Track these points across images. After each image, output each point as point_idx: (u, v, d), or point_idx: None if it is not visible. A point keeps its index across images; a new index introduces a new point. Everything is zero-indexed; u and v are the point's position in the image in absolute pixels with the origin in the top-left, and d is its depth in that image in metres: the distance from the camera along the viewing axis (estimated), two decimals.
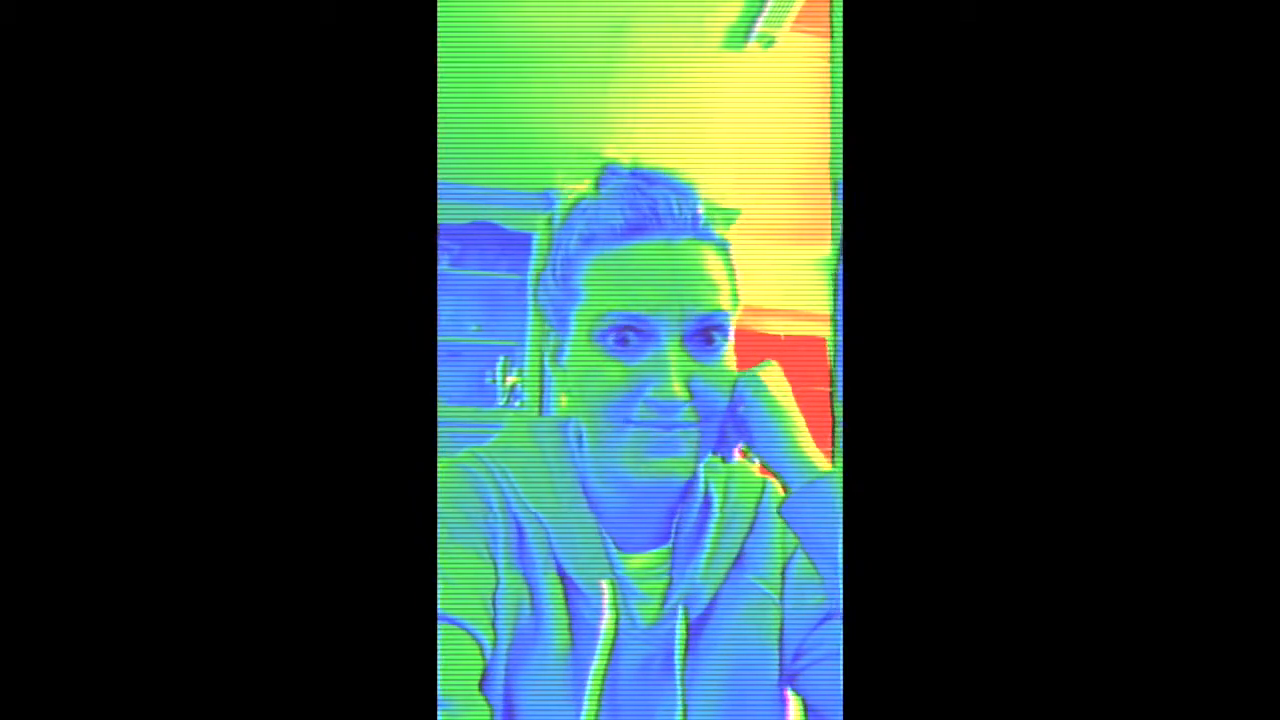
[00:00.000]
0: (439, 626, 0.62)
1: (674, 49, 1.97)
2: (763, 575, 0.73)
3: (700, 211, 0.67)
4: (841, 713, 0.54)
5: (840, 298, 0.58)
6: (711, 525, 0.73)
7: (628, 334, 0.65)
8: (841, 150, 0.56)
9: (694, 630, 0.70)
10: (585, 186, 0.69)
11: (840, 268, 0.58)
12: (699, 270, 0.66)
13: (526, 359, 2.78)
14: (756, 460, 0.70)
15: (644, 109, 2.15)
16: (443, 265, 2.80)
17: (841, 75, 0.56)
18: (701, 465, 0.74)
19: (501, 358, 2.86)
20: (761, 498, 0.76)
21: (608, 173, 0.69)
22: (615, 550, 0.71)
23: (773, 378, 0.68)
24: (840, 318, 0.58)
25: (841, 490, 0.62)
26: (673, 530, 0.73)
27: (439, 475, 0.70)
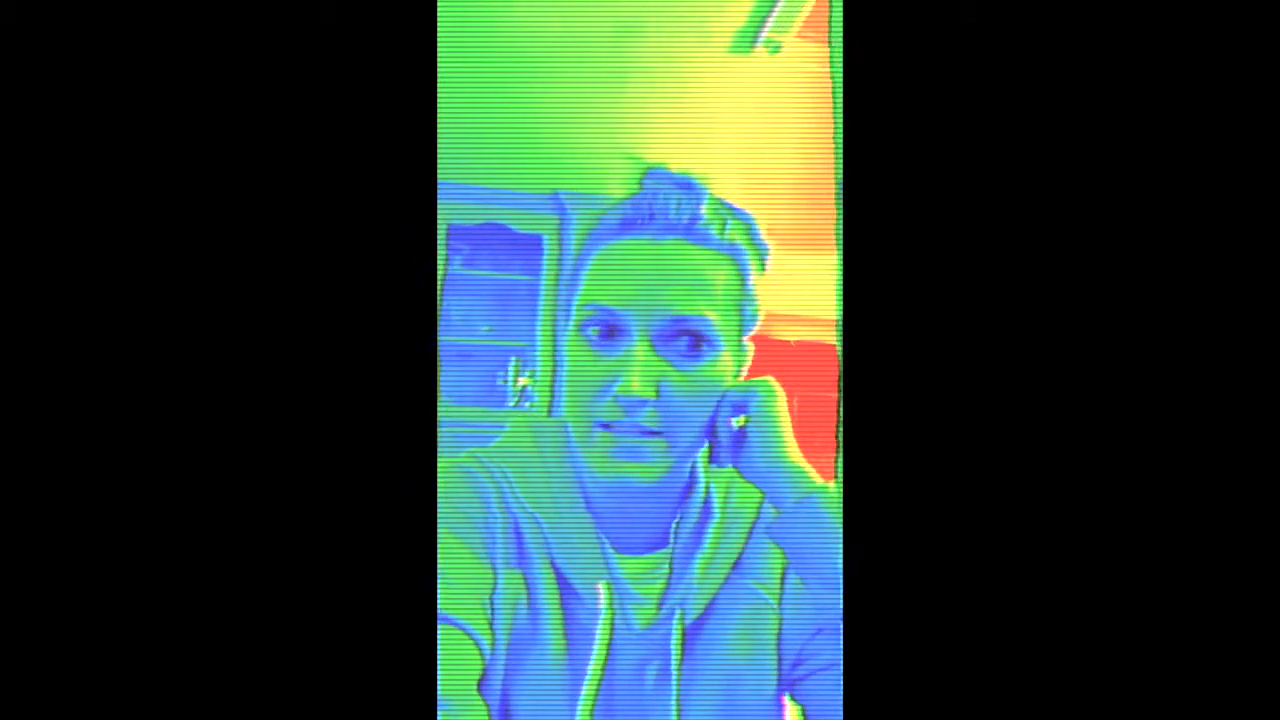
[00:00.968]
0: (439, 627, 0.62)
1: (680, 53, 1.97)
2: (762, 581, 0.73)
3: (700, 213, 0.66)
4: None
5: (841, 304, 0.57)
6: (710, 530, 0.73)
7: (607, 330, 0.65)
8: (842, 156, 0.56)
9: (690, 634, 0.70)
10: (626, 191, 0.70)
11: (840, 274, 0.57)
12: (680, 272, 0.65)
13: (537, 361, 2.79)
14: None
15: (649, 113, 2.15)
16: (453, 266, 2.81)
17: (841, 81, 0.56)
18: (698, 468, 0.74)
19: (513, 359, 2.86)
20: (762, 504, 0.75)
21: (649, 175, 0.69)
22: (612, 552, 0.71)
23: (771, 392, 0.68)
24: (841, 324, 0.57)
25: (842, 500, 0.62)
26: (672, 534, 0.72)
27: (439, 476, 0.70)
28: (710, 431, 0.68)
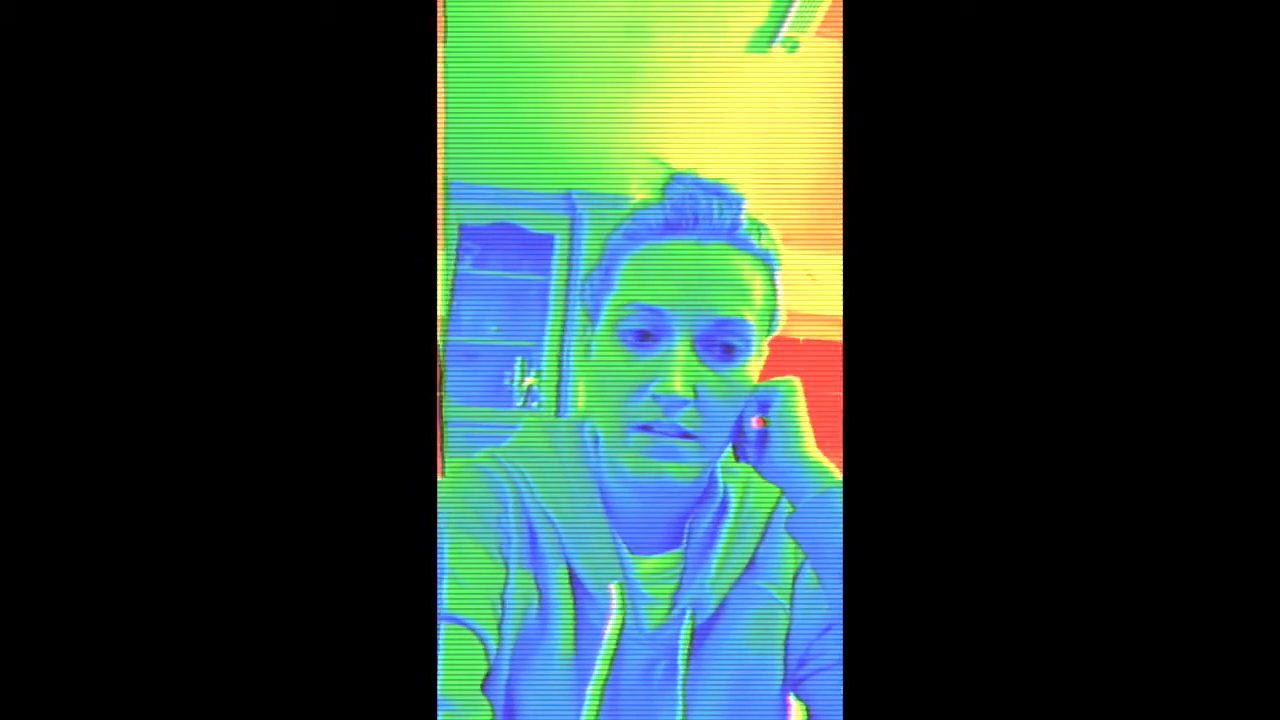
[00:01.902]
0: (445, 626, 0.62)
1: (694, 52, 1.97)
2: (774, 581, 0.73)
3: (741, 218, 0.67)
4: None
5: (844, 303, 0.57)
6: (725, 530, 0.73)
7: (647, 329, 0.65)
8: (842, 155, 0.56)
9: (700, 634, 0.70)
10: (651, 195, 0.70)
11: (843, 273, 0.57)
12: (724, 275, 0.66)
13: (545, 360, 2.79)
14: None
15: (663, 111, 2.15)
16: (463, 266, 2.81)
17: (841, 79, 0.56)
18: (716, 469, 0.74)
19: (519, 359, 2.87)
20: (777, 504, 0.75)
21: (674, 181, 0.69)
22: (627, 552, 0.71)
23: (793, 390, 0.69)
24: (843, 323, 0.57)
25: (842, 499, 0.62)
26: (685, 534, 0.72)
27: (450, 475, 0.70)
28: (736, 432, 0.69)
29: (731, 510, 0.74)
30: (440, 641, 0.61)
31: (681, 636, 0.69)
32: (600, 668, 0.67)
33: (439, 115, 0.56)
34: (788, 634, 0.72)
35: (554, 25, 1.87)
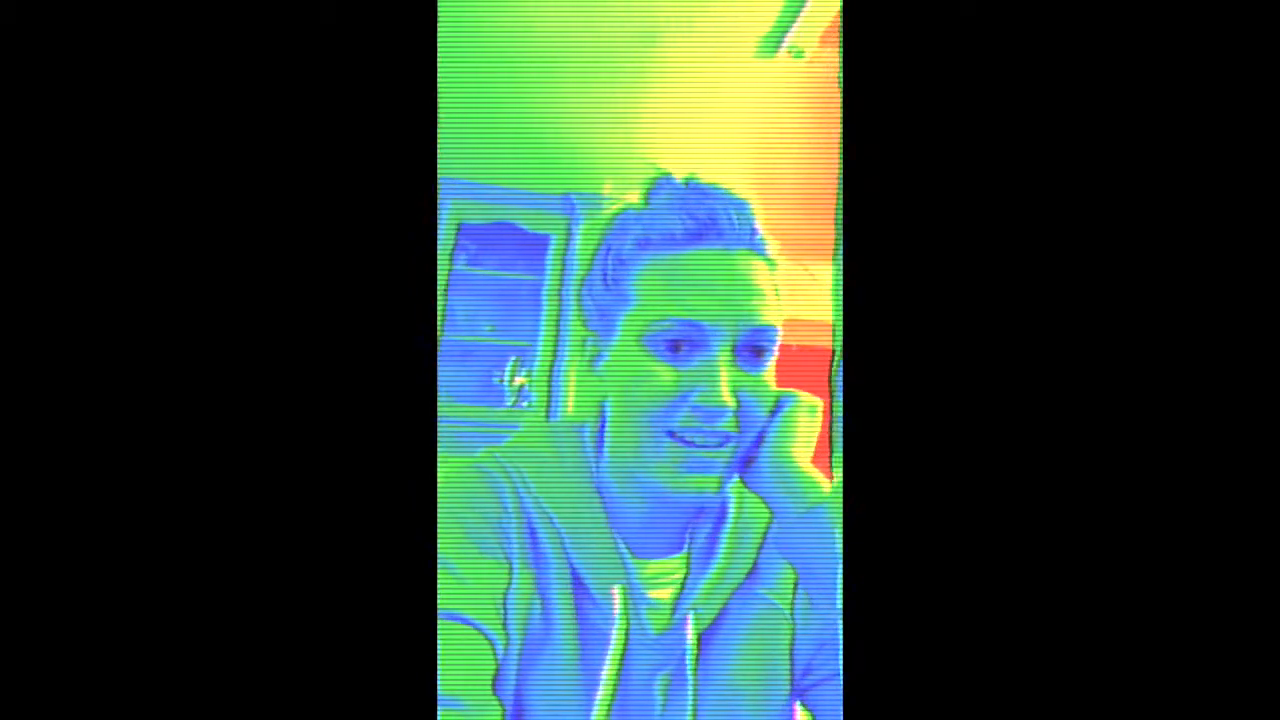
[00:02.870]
0: (449, 625, 0.62)
1: (695, 57, 1.97)
2: (774, 589, 0.73)
3: (757, 225, 0.68)
4: None
5: (841, 310, 0.58)
6: (725, 536, 0.73)
7: (680, 341, 0.65)
8: (841, 162, 0.56)
9: (704, 641, 0.70)
10: (634, 197, 0.70)
11: (840, 280, 0.58)
12: (753, 282, 0.66)
13: (537, 360, 2.79)
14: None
15: (665, 115, 2.15)
16: (458, 264, 2.81)
17: (842, 87, 0.56)
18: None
19: (512, 358, 2.86)
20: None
21: (659, 184, 0.69)
22: (629, 556, 0.70)
23: (800, 404, 0.68)
24: (841, 330, 0.57)
25: (841, 507, 0.62)
26: (687, 538, 0.72)
27: (447, 475, 0.70)
28: (749, 452, 0.68)
29: (730, 516, 0.74)
30: (442, 641, 0.61)
31: (688, 642, 0.69)
32: (608, 673, 0.67)
33: (438, 114, 0.56)
34: (792, 642, 0.72)
35: (551, 25, 1.87)
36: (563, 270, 2.83)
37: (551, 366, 2.75)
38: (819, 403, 0.69)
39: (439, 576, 0.62)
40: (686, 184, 0.69)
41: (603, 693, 0.67)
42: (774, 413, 0.68)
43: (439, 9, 0.56)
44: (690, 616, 0.70)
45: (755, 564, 0.73)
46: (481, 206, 2.76)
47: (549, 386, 2.75)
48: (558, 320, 2.80)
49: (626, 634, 0.68)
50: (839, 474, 0.62)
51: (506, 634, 0.66)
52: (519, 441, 0.75)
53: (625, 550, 0.71)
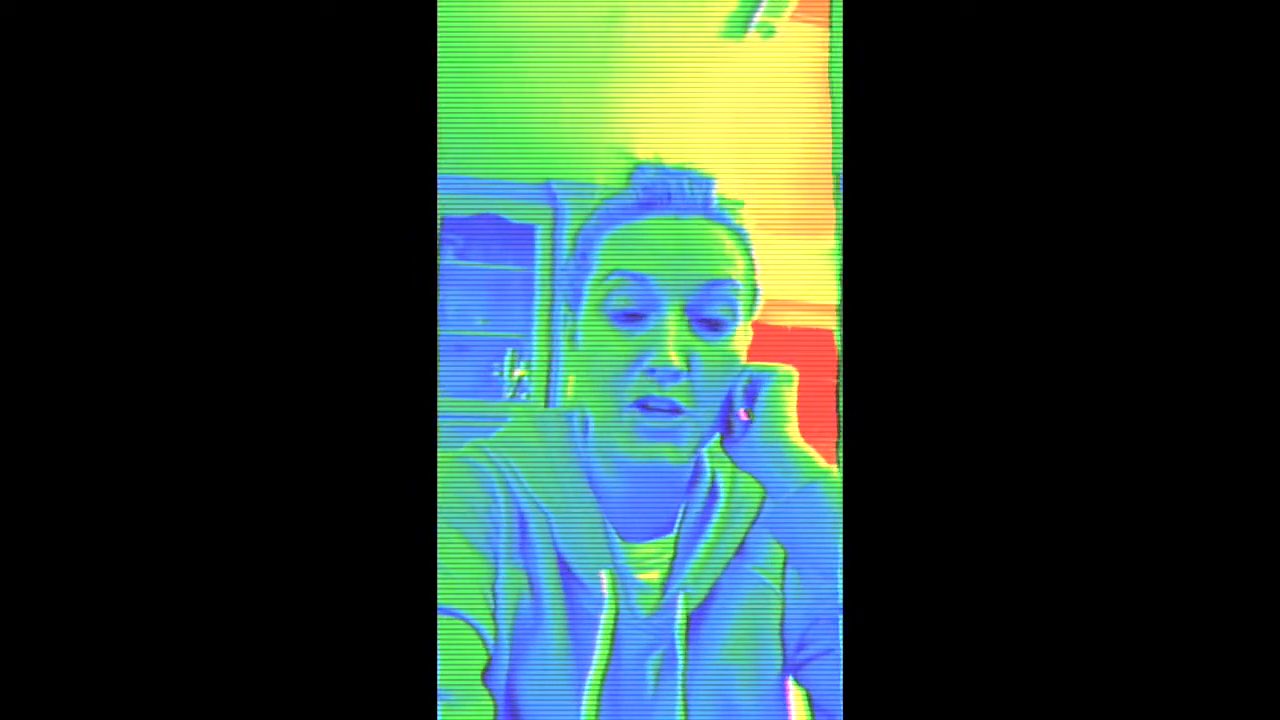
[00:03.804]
0: (441, 619, 0.62)
1: (674, 39, 1.96)
2: (765, 566, 0.73)
3: (713, 195, 0.68)
4: (842, 707, 0.54)
5: (841, 291, 0.58)
6: (715, 516, 0.73)
7: (634, 309, 0.65)
8: (841, 142, 0.56)
9: (694, 621, 0.70)
10: (619, 183, 0.71)
11: (840, 261, 0.58)
12: (706, 242, 0.67)
13: (534, 352, 2.78)
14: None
15: (643, 100, 2.14)
16: (447, 258, 2.80)
17: (841, 65, 0.56)
18: (704, 452, 0.74)
19: (509, 350, 2.86)
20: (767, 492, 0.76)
21: (639, 170, 0.70)
22: (618, 540, 0.71)
23: (786, 378, 0.69)
24: (842, 311, 0.57)
25: (842, 486, 0.62)
26: (678, 520, 0.73)
27: (440, 468, 0.70)
28: (725, 415, 0.69)
29: (722, 495, 0.74)
30: (439, 634, 0.61)
31: (678, 622, 0.69)
32: (599, 656, 0.68)
33: (437, 110, 0.56)
34: (783, 619, 0.73)
35: (532, 16, 1.86)
36: (552, 260, 2.83)
37: (549, 357, 2.76)
38: (794, 371, 0.69)
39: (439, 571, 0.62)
40: (658, 166, 0.70)
41: (593, 676, 0.67)
42: (751, 388, 0.68)
43: (439, 4, 0.56)
44: (680, 597, 0.70)
45: (744, 542, 0.73)
46: (463, 199, 2.75)
47: (547, 377, 2.76)
48: (550, 310, 2.80)
49: (616, 617, 0.69)
50: (839, 453, 0.63)
51: (496, 626, 0.66)
52: (508, 431, 0.75)
53: (614, 534, 0.71)
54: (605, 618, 0.68)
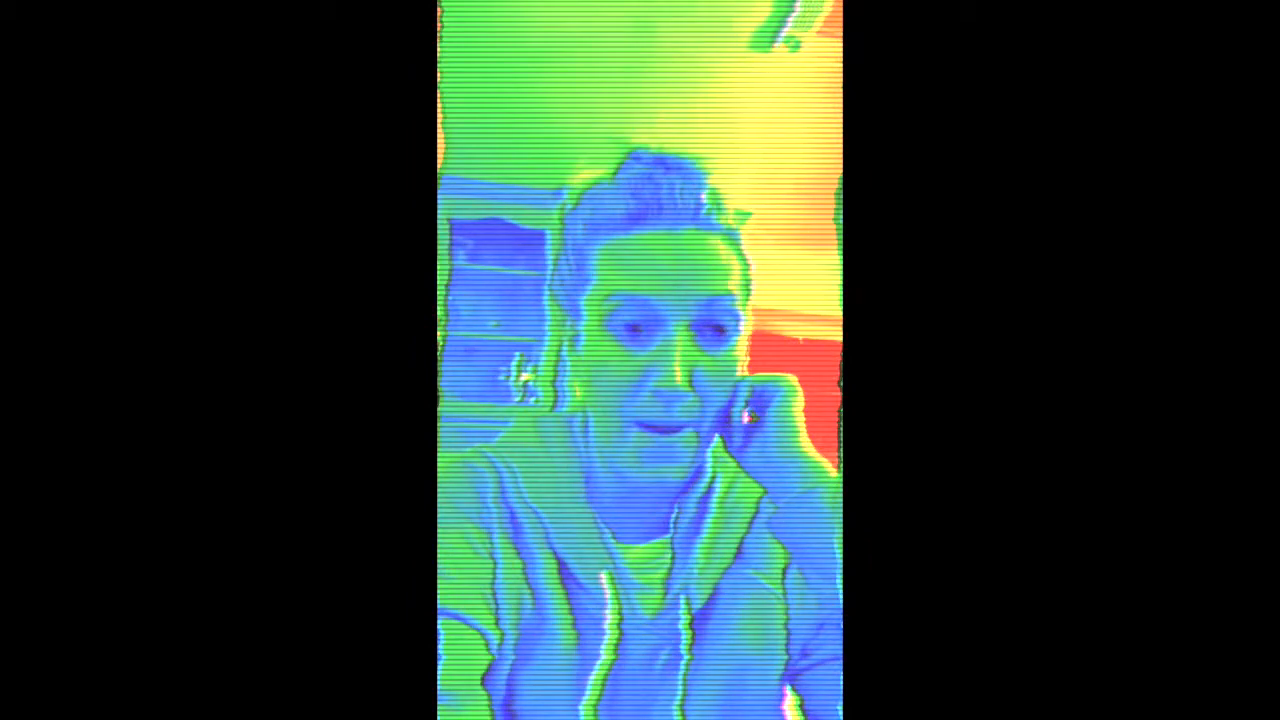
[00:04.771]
0: (443, 622, 0.62)
1: (691, 50, 1.96)
2: (765, 572, 0.73)
3: (702, 199, 0.67)
4: (841, 715, 0.54)
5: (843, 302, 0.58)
6: (710, 516, 0.73)
7: (638, 322, 0.65)
8: (842, 154, 0.56)
9: (696, 623, 0.70)
10: (602, 172, 0.70)
11: (841, 272, 0.58)
12: (703, 258, 0.66)
13: (543, 356, 2.78)
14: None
15: (663, 106, 2.14)
16: (458, 261, 2.80)
17: (841, 80, 0.56)
18: (706, 456, 0.74)
19: (518, 354, 2.86)
20: (765, 494, 0.75)
21: (630, 159, 0.68)
22: (614, 542, 0.71)
23: (793, 390, 0.68)
24: (843, 322, 0.57)
25: (842, 495, 0.62)
26: (672, 521, 0.72)
27: (442, 471, 0.70)
28: (725, 420, 0.69)
29: (716, 496, 0.74)
30: (440, 637, 0.61)
31: (682, 623, 0.69)
32: (604, 658, 0.67)
33: (438, 110, 0.56)
34: (786, 624, 0.73)
35: (545, 19, 1.86)
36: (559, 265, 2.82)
37: (557, 362, 2.75)
38: (796, 381, 0.69)
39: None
40: (655, 155, 0.69)
41: (595, 676, 0.67)
42: (758, 398, 0.67)
43: (442, 4, 0.56)
44: (682, 599, 0.70)
45: (743, 544, 0.73)
46: (472, 202, 2.75)
47: (555, 382, 2.75)
48: (559, 315, 2.79)
49: (620, 617, 0.69)
50: (840, 459, 0.63)
51: (500, 629, 0.66)
52: (510, 435, 0.75)
53: (610, 537, 0.71)
54: (610, 618, 0.68)
